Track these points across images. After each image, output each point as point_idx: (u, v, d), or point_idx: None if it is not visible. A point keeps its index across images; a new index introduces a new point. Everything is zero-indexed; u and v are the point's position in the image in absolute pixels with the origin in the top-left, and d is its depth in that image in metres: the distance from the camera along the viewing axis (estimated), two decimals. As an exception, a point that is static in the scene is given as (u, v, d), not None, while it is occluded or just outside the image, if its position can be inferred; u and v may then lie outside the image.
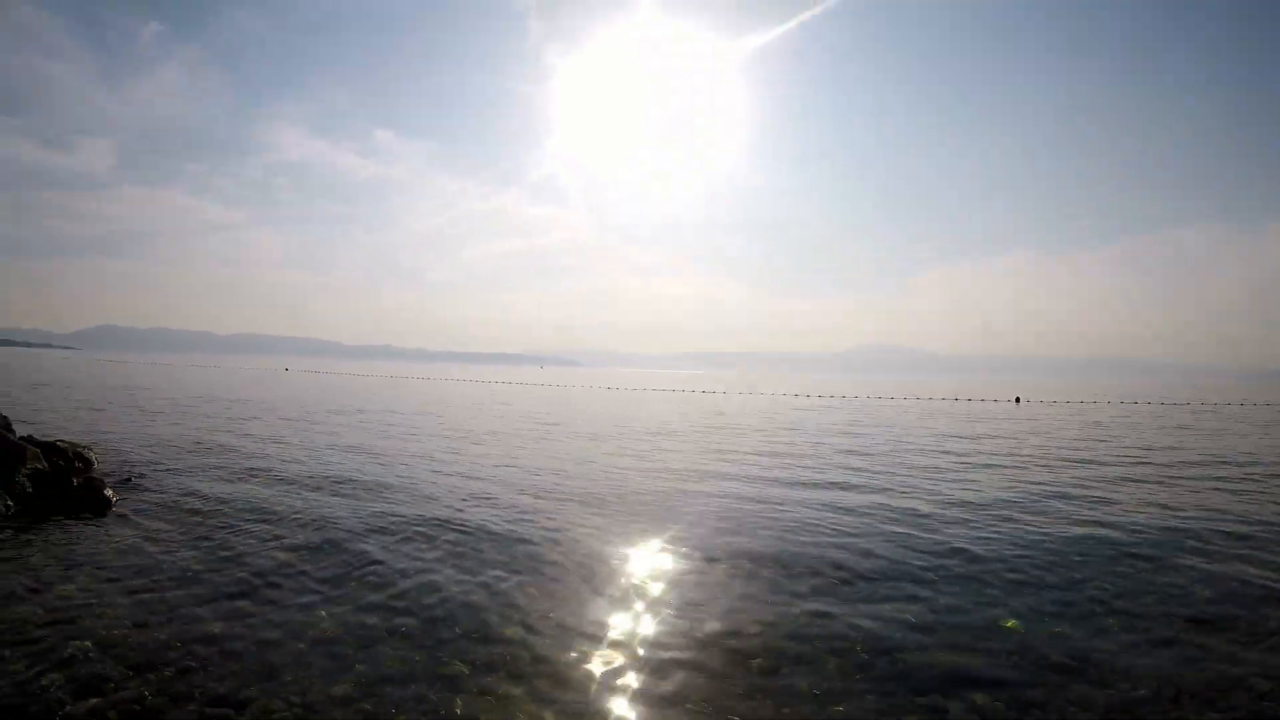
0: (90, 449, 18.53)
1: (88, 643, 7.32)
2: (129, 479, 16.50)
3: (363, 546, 11.38)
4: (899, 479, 19.50)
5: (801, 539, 12.37)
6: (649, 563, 10.89)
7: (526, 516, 13.79)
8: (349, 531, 12.41)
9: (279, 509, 14.05)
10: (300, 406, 42.69)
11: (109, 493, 14.11)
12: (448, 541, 11.76)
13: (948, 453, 26.02)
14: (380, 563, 10.54)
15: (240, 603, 8.78)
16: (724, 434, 32.29)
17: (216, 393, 53.55)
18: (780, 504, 15.69)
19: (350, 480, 17.62)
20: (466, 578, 9.82)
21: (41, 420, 27.11)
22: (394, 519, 13.44)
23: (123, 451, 20.83)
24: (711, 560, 10.97)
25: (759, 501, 16.09)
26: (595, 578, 10.08)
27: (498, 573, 10.05)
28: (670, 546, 11.81)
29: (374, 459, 21.49)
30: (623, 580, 10.01)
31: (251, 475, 17.84)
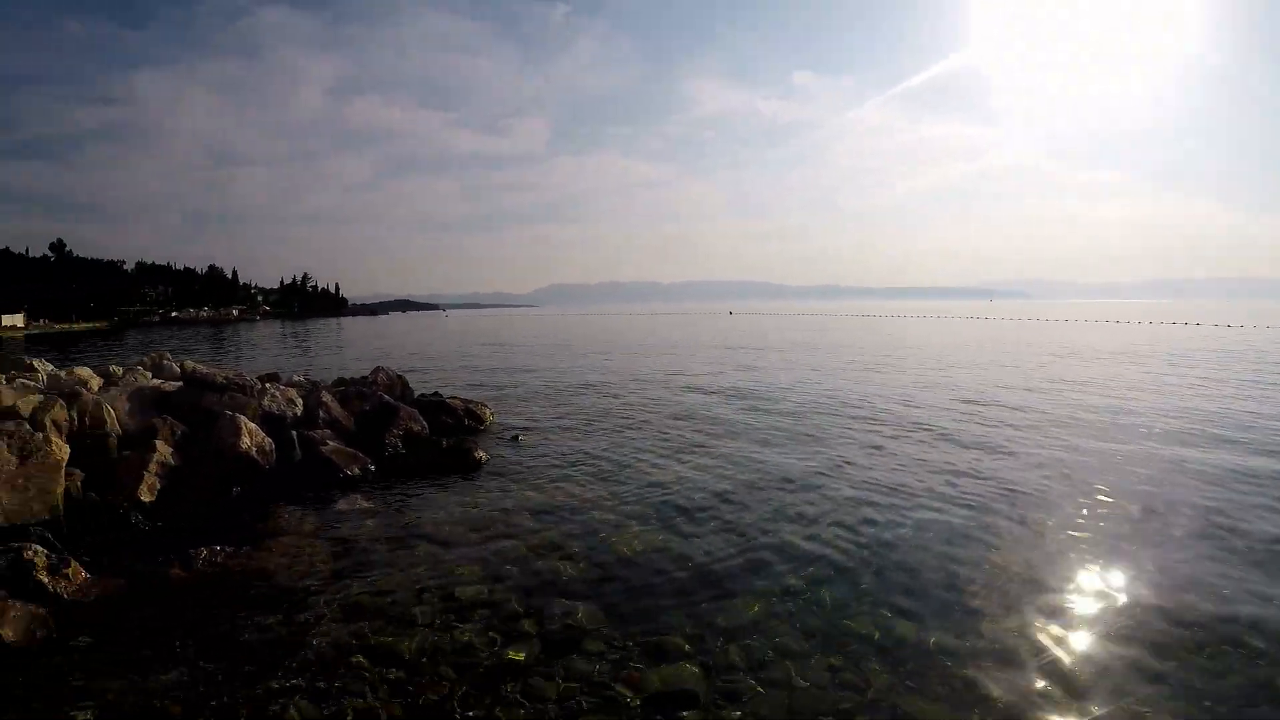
0: (485, 405, 19.41)
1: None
2: (516, 436, 16.65)
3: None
4: None
5: None
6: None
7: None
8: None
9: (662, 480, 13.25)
10: (747, 349, 42.88)
11: (480, 454, 14.40)
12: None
13: None
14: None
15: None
16: None
17: (653, 339, 57.36)
18: None
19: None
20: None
21: (458, 375, 30.40)
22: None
23: (526, 405, 22.34)
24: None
25: None
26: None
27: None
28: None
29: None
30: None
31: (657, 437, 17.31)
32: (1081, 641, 6.82)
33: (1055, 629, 7.06)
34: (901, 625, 7.25)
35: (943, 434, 16.26)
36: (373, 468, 13.65)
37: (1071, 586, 8.06)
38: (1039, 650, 6.69)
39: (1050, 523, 10.21)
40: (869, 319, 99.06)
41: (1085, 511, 10.69)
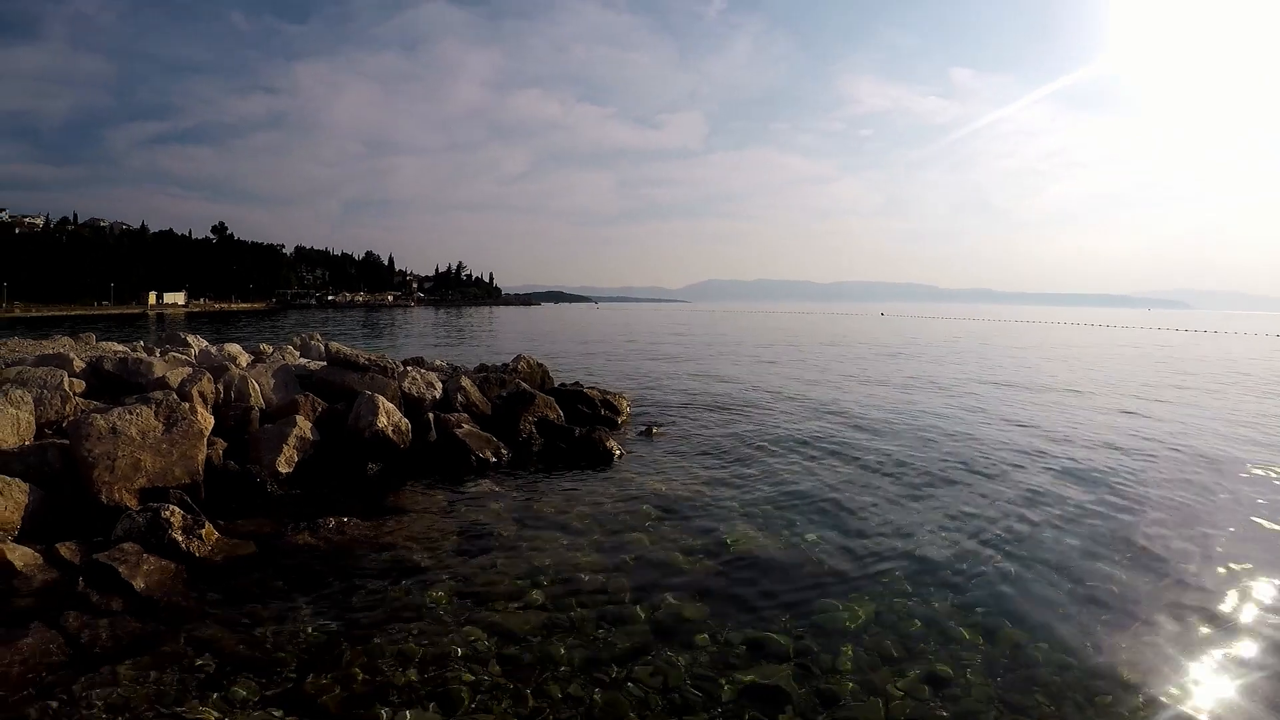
0: (622, 396, 19.52)
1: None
2: (650, 429, 16.67)
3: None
4: None
5: None
6: None
7: None
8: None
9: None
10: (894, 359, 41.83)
11: (612, 444, 14.57)
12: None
13: None
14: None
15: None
16: None
17: (803, 339, 57.14)
18: None
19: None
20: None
21: (601, 365, 31.37)
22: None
23: (665, 399, 22.46)
24: None
25: None
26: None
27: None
28: None
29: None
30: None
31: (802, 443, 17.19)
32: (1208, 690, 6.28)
33: (1176, 663, 6.63)
34: (1008, 640, 7.02)
35: (1091, 469, 14.83)
36: (505, 453, 14.00)
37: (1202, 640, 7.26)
38: (1154, 683, 6.31)
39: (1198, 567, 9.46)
40: (1022, 325, 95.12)
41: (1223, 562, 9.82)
